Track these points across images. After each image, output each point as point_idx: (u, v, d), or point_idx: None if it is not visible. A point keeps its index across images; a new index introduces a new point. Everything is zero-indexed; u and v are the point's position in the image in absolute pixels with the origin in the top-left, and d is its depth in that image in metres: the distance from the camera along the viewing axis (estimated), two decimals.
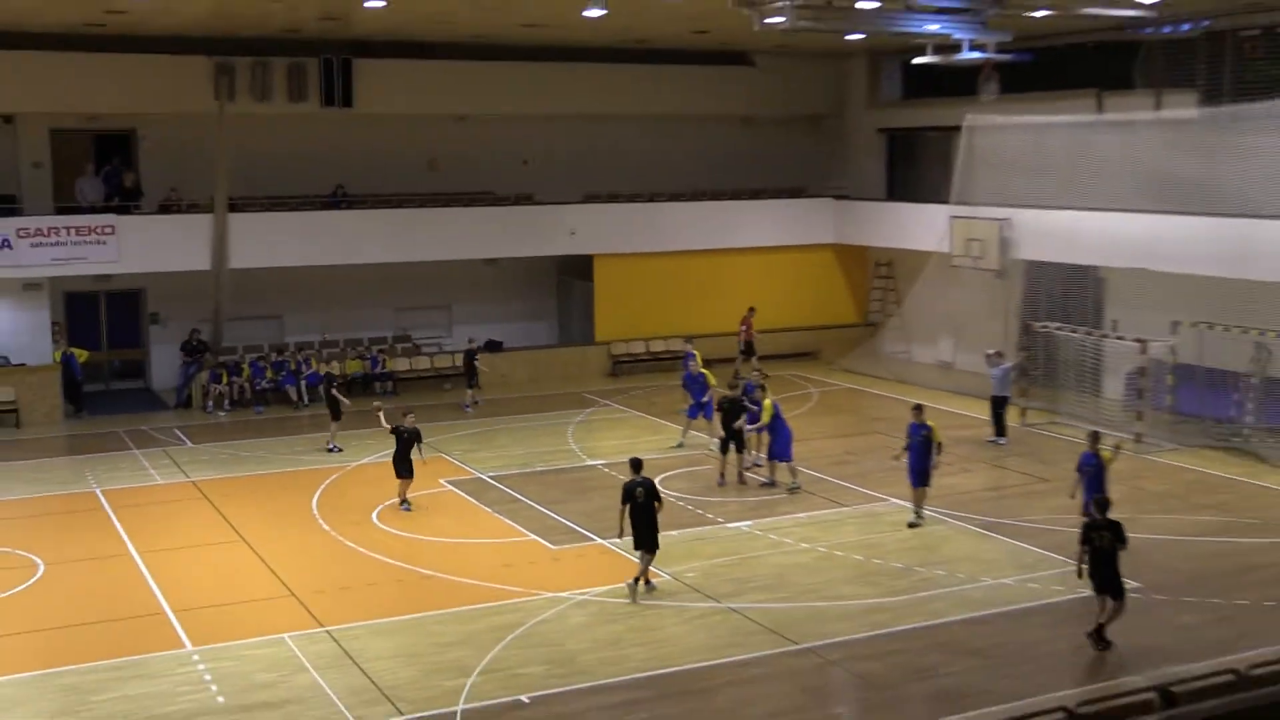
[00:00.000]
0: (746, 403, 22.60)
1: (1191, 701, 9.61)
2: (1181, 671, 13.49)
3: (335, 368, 27.30)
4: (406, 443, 21.02)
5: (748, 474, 22.76)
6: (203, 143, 30.21)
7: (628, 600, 16.90)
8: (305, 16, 26.44)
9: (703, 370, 25.38)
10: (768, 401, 21.95)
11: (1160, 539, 19.36)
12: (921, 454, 20.05)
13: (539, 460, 24.69)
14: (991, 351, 26.52)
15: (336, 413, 25.59)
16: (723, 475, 22.64)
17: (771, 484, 22.23)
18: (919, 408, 20.67)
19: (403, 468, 21.07)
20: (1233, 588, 17.28)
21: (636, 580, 17.09)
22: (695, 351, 27.73)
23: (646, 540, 17.09)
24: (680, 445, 25.38)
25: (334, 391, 25.76)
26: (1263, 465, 23.75)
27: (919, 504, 20.28)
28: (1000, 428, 25.54)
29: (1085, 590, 15.55)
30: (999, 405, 25.64)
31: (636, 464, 17.53)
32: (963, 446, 24.74)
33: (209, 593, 17.52)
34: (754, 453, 23.23)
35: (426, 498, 21.77)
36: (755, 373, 24.39)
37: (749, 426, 22.33)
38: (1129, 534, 15.36)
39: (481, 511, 21.29)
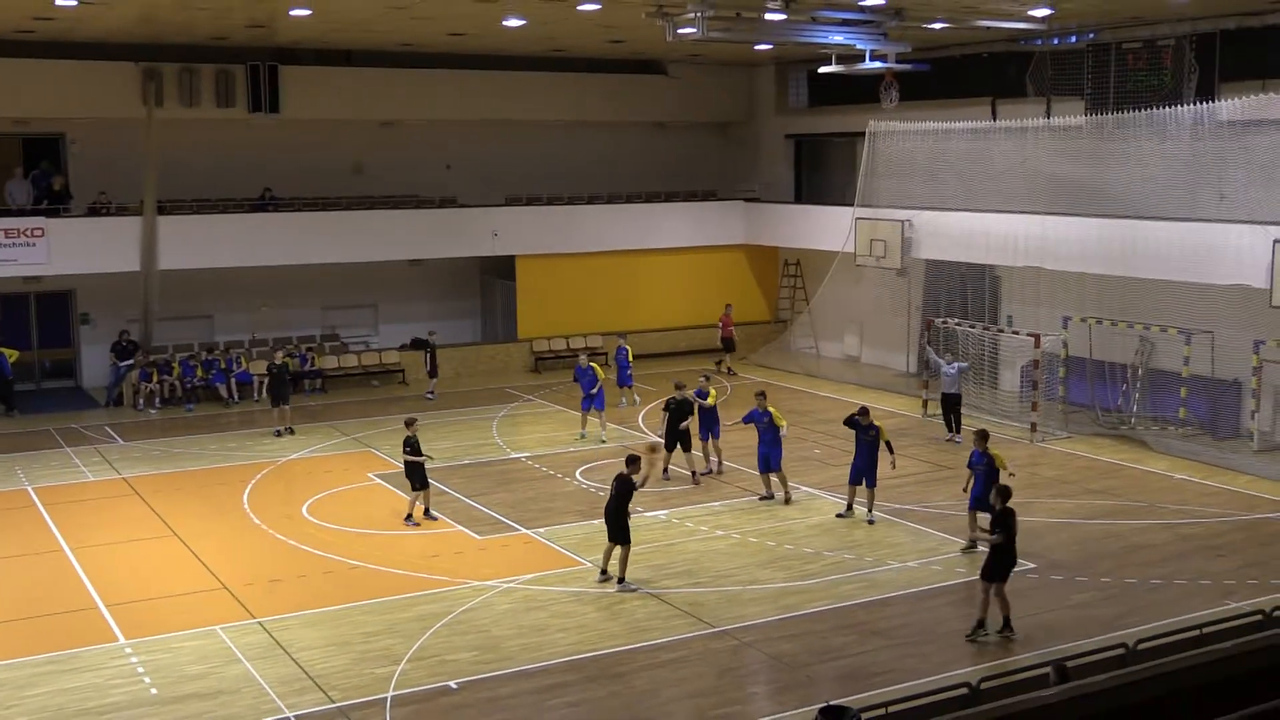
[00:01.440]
0: (700, 405, 22.09)
1: (1084, 675, 9.75)
2: (1074, 647, 13.75)
3: (279, 357, 27.28)
4: (415, 450, 19.87)
5: (701, 476, 22.19)
6: (132, 147, 29.63)
7: (598, 583, 17.00)
8: (232, 24, 26.00)
9: (592, 364, 25.44)
10: (777, 413, 20.89)
11: (1054, 522, 19.67)
12: (870, 454, 19.60)
13: (464, 453, 24.54)
14: (945, 351, 26.44)
15: (285, 397, 26.10)
16: (666, 471, 22.10)
17: (769, 497, 21.09)
18: (865, 410, 20.10)
19: (416, 478, 19.90)
20: (1121, 567, 17.60)
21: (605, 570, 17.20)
22: (628, 346, 27.99)
23: (612, 534, 17.02)
24: (582, 436, 25.44)
25: (287, 378, 26.55)
26: (1148, 451, 24.20)
27: (862, 501, 19.91)
28: (955, 425, 24.96)
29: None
30: (953, 404, 25.13)
31: (629, 460, 17.28)
32: None
33: (141, 587, 17.19)
34: (713, 458, 22.60)
35: (355, 491, 21.52)
36: (703, 378, 23.58)
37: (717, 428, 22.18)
38: (1023, 519, 15.61)
39: (409, 504, 21.09)
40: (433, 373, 30.33)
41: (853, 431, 19.94)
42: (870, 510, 19.88)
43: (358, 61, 32.17)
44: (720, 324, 33.44)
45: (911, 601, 16.38)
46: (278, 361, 26.90)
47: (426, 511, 20.10)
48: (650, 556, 18.07)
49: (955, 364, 25.54)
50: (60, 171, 30.29)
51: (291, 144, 32.35)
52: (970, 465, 18.17)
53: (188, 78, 29.92)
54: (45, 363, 31.51)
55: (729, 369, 32.76)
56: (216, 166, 31.48)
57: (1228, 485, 21.84)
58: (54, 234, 28.38)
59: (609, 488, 17.40)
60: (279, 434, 25.95)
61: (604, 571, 17.21)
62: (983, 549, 17.88)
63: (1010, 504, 15.03)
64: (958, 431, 24.99)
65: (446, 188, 34.33)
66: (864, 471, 19.78)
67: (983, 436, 18.30)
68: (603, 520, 17.17)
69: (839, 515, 20.06)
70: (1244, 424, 24.60)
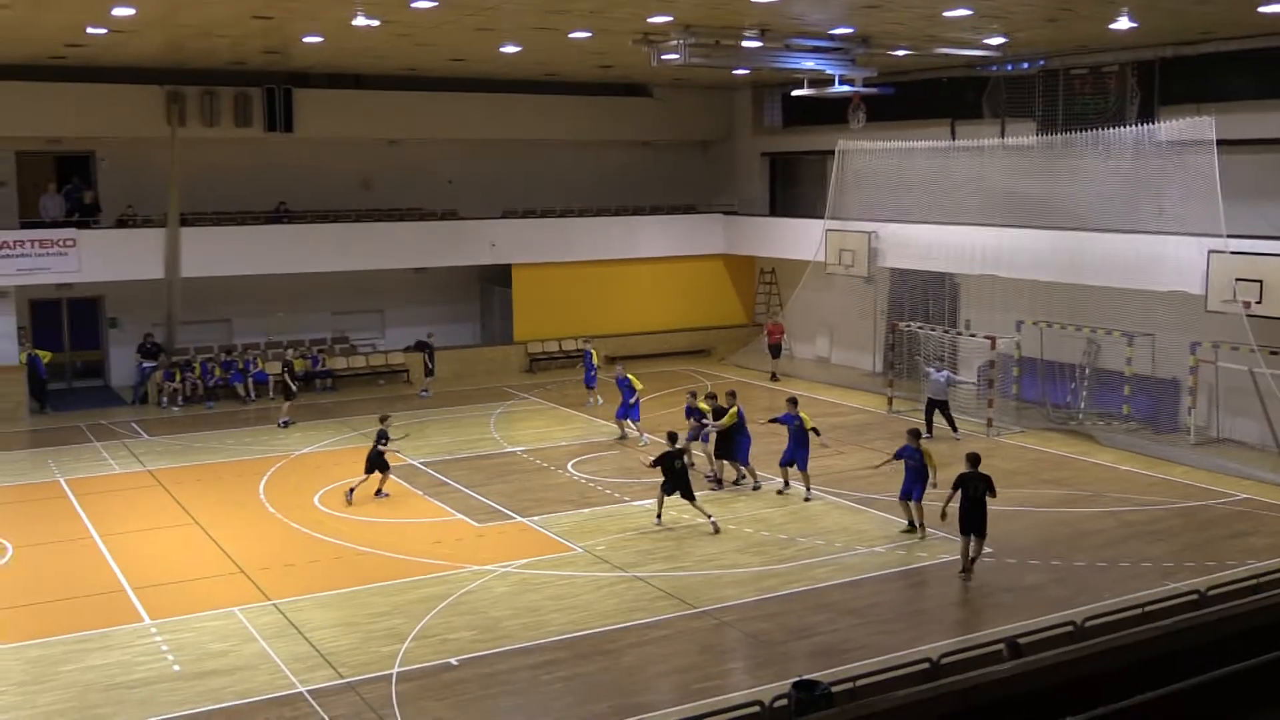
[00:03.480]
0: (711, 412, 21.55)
1: (1035, 651, 9.76)
2: (1027, 625, 13.76)
3: (290, 354, 27.41)
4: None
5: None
6: (156, 163, 29.58)
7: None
8: (250, 50, 25.92)
9: (629, 375, 24.95)
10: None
11: (1009, 510, 19.67)
12: (798, 441, 20.35)
13: (464, 448, 24.49)
14: (936, 360, 26.28)
15: (290, 394, 26.51)
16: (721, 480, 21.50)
17: (717, 480, 21.24)
18: (793, 400, 21.02)
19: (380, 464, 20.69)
20: (1070, 551, 17.65)
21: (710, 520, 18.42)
22: (593, 350, 27.83)
23: (687, 491, 18.48)
24: (637, 439, 24.60)
25: (285, 377, 26.75)
26: (1095, 444, 24.26)
27: (804, 483, 20.48)
28: (951, 425, 24.61)
29: (941, 548, 15.76)
30: (943, 407, 24.68)
31: (672, 437, 18.97)
32: (837, 431, 24.93)
33: (165, 571, 17.13)
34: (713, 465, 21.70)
35: (363, 483, 21.46)
36: (702, 392, 23.10)
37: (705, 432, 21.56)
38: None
39: (413, 494, 21.06)
40: (429, 372, 30.25)
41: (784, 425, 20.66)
42: (808, 490, 20.37)
43: (366, 84, 32.07)
44: (767, 332, 32.12)
45: (879, 583, 16.39)
46: (287, 358, 27.18)
47: (379, 491, 20.68)
48: (637, 542, 18.08)
49: (944, 372, 25.19)
50: (90, 187, 30.13)
51: (304, 160, 32.21)
52: (902, 456, 18.28)
53: (208, 100, 29.84)
54: (76, 363, 31.35)
55: (774, 375, 31.73)
56: (235, 181, 31.32)
57: (1166, 476, 21.90)
58: (84, 244, 28.25)
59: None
60: (282, 425, 26.23)
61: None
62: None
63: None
64: (954, 429, 24.70)
65: (448, 201, 34.24)
66: (793, 456, 20.36)
67: (914, 434, 18.53)
68: (588, 509, 17.16)
69: (779, 492, 20.58)
70: (1182, 419, 24.66)
